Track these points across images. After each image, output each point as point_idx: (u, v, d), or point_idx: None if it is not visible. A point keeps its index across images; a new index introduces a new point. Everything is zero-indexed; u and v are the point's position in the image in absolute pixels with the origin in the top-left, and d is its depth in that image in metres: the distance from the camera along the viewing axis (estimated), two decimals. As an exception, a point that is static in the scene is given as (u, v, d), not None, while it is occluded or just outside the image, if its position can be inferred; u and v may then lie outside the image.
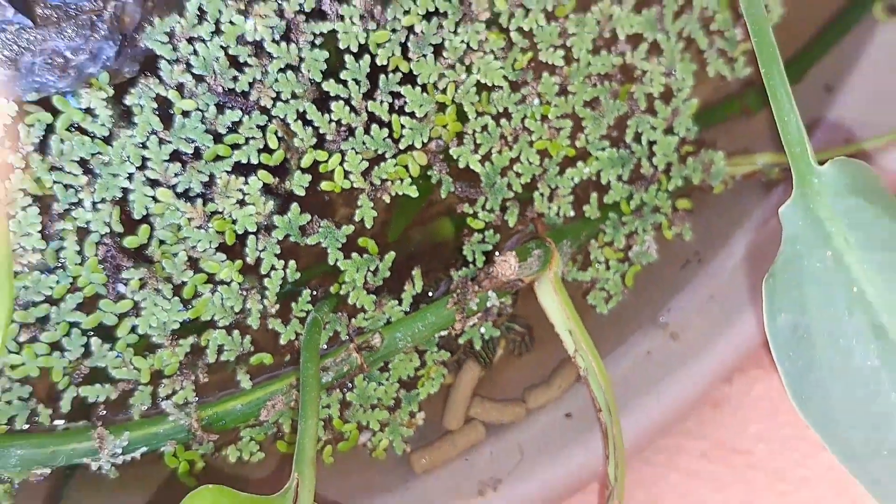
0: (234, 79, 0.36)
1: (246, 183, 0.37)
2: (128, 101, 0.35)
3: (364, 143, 0.39)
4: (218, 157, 0.37)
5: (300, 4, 0.36)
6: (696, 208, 0.46)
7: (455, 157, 0.40)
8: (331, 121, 0.38)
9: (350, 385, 0.41)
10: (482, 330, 0.43)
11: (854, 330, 0.31)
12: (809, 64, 0.47)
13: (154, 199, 0.36)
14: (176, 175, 0.36)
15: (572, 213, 0.43)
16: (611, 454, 0.41)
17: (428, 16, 0.38)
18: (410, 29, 0.38)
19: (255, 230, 0.38)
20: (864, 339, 0.31)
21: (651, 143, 0.44)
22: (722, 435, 0.48)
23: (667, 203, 0.45)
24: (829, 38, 0.47)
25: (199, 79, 0.36)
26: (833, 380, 0.31)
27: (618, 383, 0.45)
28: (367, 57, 0.38)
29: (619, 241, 0.45)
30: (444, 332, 0.41)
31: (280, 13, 0.36)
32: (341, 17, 0.37)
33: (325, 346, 0.40)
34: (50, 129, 0.35)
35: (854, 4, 0.47)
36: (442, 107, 0.40)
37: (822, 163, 0.35)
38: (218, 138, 0.37)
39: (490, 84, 0.40)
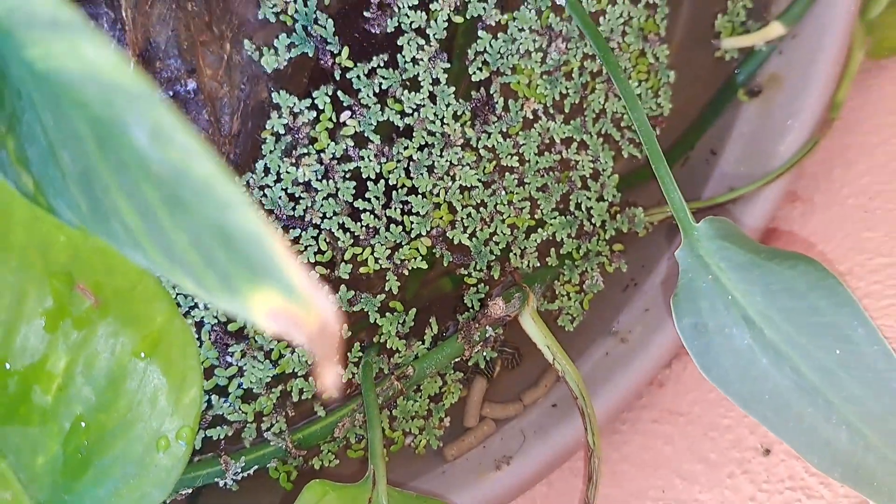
0: (293, 208, 0.43)
1: (309, 276, 0.44)
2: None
3: (386, 238, 0.46)
4: (288, 262, 0.44)
5: (333, 153, 0.43)
6: (628, 248, 0.52)
7: (450, 238, 0.47)
8: (362, 226, 0.45)
9: (394, 404, 0.48)
10: (484, 354, 0.50)
11: (732, 322, 0.38)
12: (698, 136, 0.53)
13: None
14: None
15: (538, 264, 0.50)
16: (588, 427, 0.47)
17: (421, 147, 0.45)
18: (410, 158, 0.45)
19: (318, 307, 0.45)
20: (739, 327, 0.38)
21: (588, 209, 0.51)
22: (667, 404, 0.53)
23: (606, 248, 0.51)
24: (709, 116, 0.53)
25: (269, 212, 0.43)
26: (725, 355, 0.38)
27: (587, 377, 0.51)
28: (382, 181, 0.45)
29: (575, 279, 0.51)
30: (456, 359, 0.48)
31: (320, 161, 0.43)
32: (362, 158, 0.44)
33: (374, 380, 0.47)
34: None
35: (724, 92, 0.53)
36: (437, 205, 0.47)
37: (699, 218, 0.42)
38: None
39: (469, 186, 0.47)
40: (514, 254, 0.49)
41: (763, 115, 0.52)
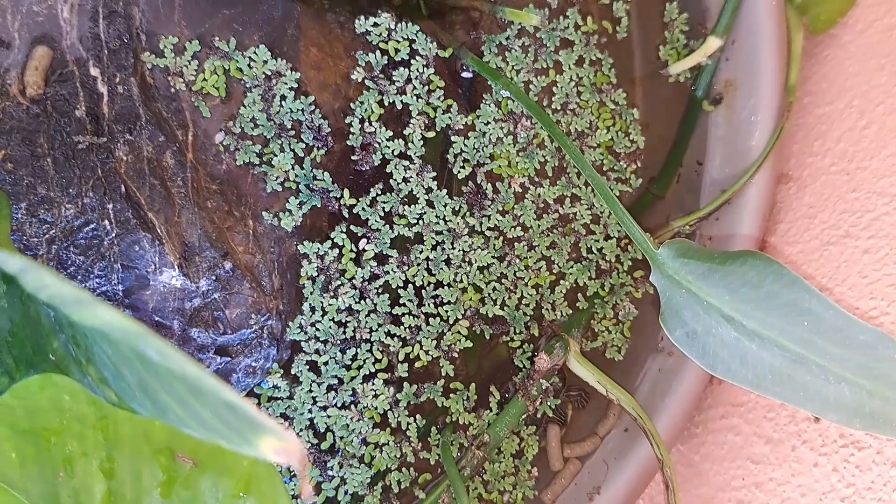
0: (343, 332, 0.50)
1: (373, 384, 0.51)
2: (293, 371, 0.50)
3: (429, 331, 0.52)
4: (352, 378, 0.51)
5: (362, 277, 0.50)
6: (649, 270, 0.57)
7: (484, 313, 0.53)
8: (405, 328, 0.52)
9: (483, 470, 0.53)
10: (548, 403, 0.55)
11: (715, 322, 0.43)
12: (682, 153, 0.58)
13: (327, 416, 0.50)
14: (333, 397, 0.50)
15: (570, 311, 0.55)
16: (653, 443, 0.50)
17: (434, 247, 0.52)
18: (427, 259, 0.52)
19: (388, 407, 0.51)
20: (722, 325, 0.43)
21: (600, 250, 0.56)
22: (728, 398, 0.55)
23: (627, 278, 0.56)
24: (685, 133, 0.57)
25: (324, 342, 0.50)
26: (720, 351, 0.42)
27: (648, 395, 0.55)
28: (410, 285, 0.52)
29: (609, 314, 0.56)
30: (524, 416, 0.54)
31: (353, 287, 0.50)
32: (387, 272, 0.51)
33: (458, 454, 0.53)
34: (258, 403, 0.50)
35: (691, 108, 0.57)
36: (464, 290, 0.53)
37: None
38: (347, 367, 0.51)
39: (486, 265, 0.53)
40: (546, 309, 0.54)
41: (730, 119, 0.56)
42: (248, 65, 0.48)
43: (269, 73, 0.48)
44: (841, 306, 0.46)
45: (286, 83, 0.48)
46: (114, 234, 0.42)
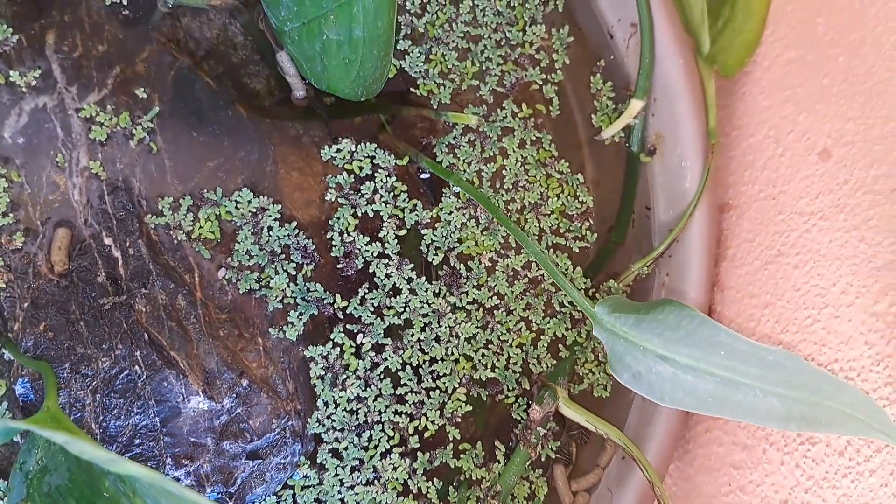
0: (356, 418, 0.57)
1: (391, 459, 0.58)
2: (318, 460, 0.57)
3: (431, 403, 0.58)
4: (371, 457, 0.57)
5: (364, 367, 0.57)
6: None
7: (478, 378, 0.60)
8: (410, 404, 0.58)
9: (501, 517, 0.60)
10: (549, 447, 0.61)
11: (652, 363, 0.49)
12: (632, 202, 0.64)
13: (355, 494, 0.57)
14: (357, 477, 0.57)
15: (555, 361, 0.61)
16: (642, 468, 0.55)
17: (423, 328, 0.59)
18: (419, 340, 0.58)
19: (407, 476, 0.58)
20: (659, 364, 0.49)
21: (570, 303, 0.62)
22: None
23: (602, 322, 0.63)
24: (630, 185, 0.64)
25: (341, 430, 0.57)
26: (663, 386, 0.48)
27: (638, 424, 0.60)
28: (407, 366, 0.58)
29: (590, 357, 0.62)
30: (529, 461, 0.60)
31: (358, 377, 0.57)
32: (385, 359, 0.58)
33: (476, 506, 0.59)
34: (293, 494, 0.56)
35: (631, 162, 0.64)
36: (456, 361, 0.59)
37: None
38: (365, 448, 0.57)
39: (472, 335, 0.60)
40: (533, 364, 0.60)
41: (664, 167, 0.62)
42: (236, 207, 0.55)
43: (255, 210, 0.56)
44: (779, 319, 0.52)
45: (270, 215, 0.56)
46: (144, 376, 0.50)
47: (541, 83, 0.63)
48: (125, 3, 0.56)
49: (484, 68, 0.62)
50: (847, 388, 0.43)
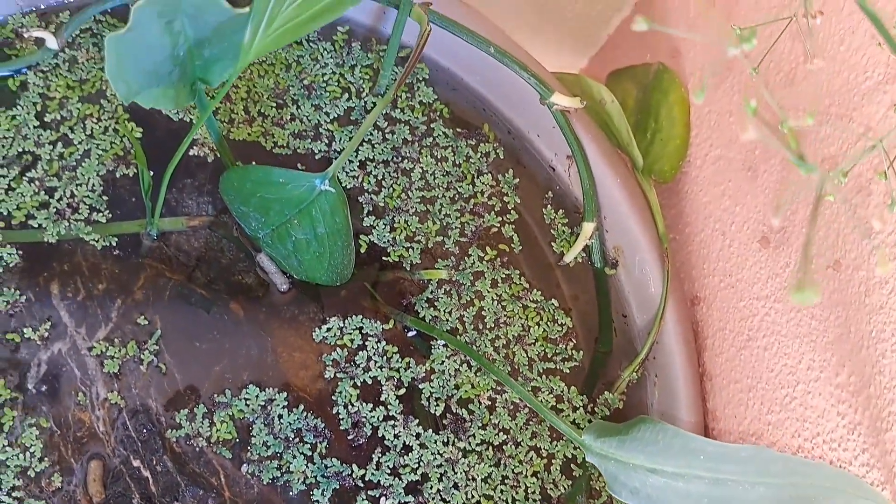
0: (395, 578, 0.61)
1: None
2: None
3: (463, 546, 0.62)
4: None
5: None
6: (618, 418, 0.67)
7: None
8: (443, 552, 0.62)
9: None
10: None
11: (644, 476, 0.52)
12: (608, 313, 0.69)
13: None
14: None
15: (570, 482, 0.64)
16: None
17: (439, 479, 0.63)
18: (438, 491, 0.62)
19: None
20: (651, 476, 0.52)
21: (573, 421, 0.66)
22: None
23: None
24: (603, 297, 0.69)
25: (383, 593, 0.60)
26: (657, 494, 0.51)
27: None
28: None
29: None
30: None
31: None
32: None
33: None
34: None
35: (599, 277, 0.69)
36: (478, 502, 0.63)
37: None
38: None
39: (487, 475, 0.63)
40: (550, 489, 0.64)
41: (629, 275, 0.67)
42: (246, 404, 0.60)
43: (264, 402, 0.61)
44: (763, 401, 0.56)
45: (279, 404, 0.61)
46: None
47: (499, 225, 0.69)
48: (114, 244, 0.62)
49: (444, 224, 0.68)
50: (821, 466, 0.47)
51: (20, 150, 0.62)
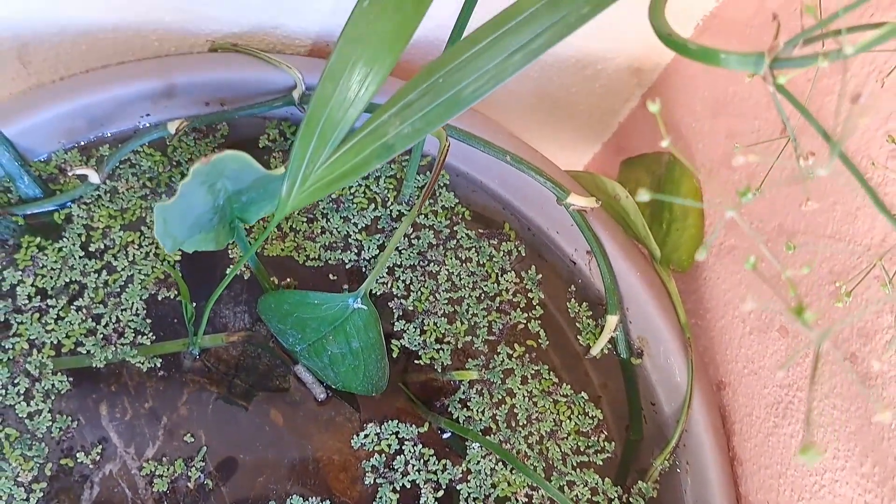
0: None
1: None
2: None
3: None
4: None
5: None
6: (651, 502, 0.69)
7: None
8: None
9: None
10: None
11: None
12: (638, 401, 0.72)
13: None
14: None
15: (612, 571, 0.67)
16: None
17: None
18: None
19: None
20: None
21: (610, 501, 0.68)
22: None
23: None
24: (631, 388, 0.72)
25: None
26: None
27: None
28: None
29: (643, 558, 0.67)
30: None
31: None
32: None
33: None
34: None
35: (626, 367, 0.72)
36: None
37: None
38: None
39: (528, 569, 0.66)
40: (591, 581, 0.65)
41: (655, 365, 0.70)
42: (291, 514, 0.63)
43: (308, 512, 0.63)
44: (793, 488, 0.57)
45: (322, 513, 0.63)
46: None
47: (525, 321, 0.72)
48: (159, 364, 0.66)
49: (472, 323, 0.71)
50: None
51: (67, 280, 0.66)
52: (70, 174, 0.67)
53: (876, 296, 0.50)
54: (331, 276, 0.70)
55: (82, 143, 0.70)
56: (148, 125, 0.70)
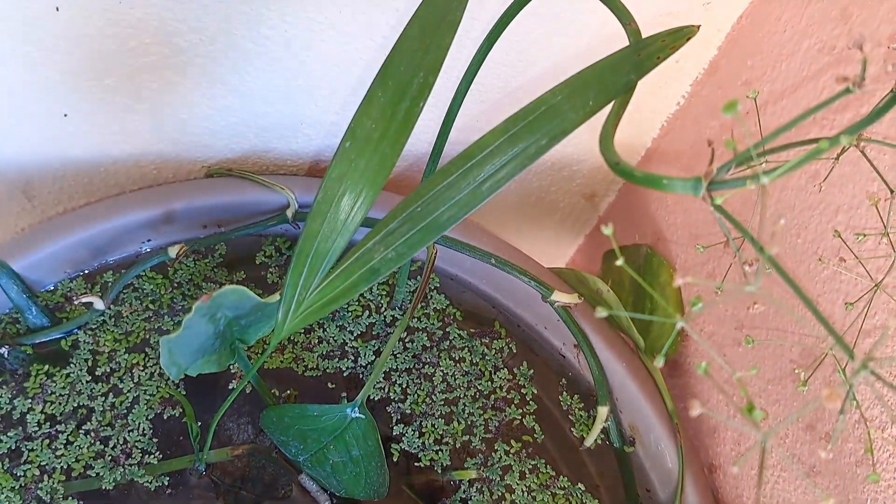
0: None
1: None
2: None
3: None
4: None
5: None
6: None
7: None
8: None
9: None
10: None
11: None
12: (633, 485, 0.74)
13: None
14: None
15: None
16: None
17: None
18: None
19: None
20: None
21: None
22: None
23: None
24: (626, 471, 0.75)
25: None
26: None
27: None
28: None
29: None
30: None
31: None
32: None
33: None
34: None
35: (621, 458, 0.75)
36: None
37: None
38: None
39: None
40: None
41: (647, 452, 0.73)
42: None
43: None
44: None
45: None
46: None
47: (520, 417, 0.75)
48: (166, 482, 0.69)
49: (469, 423, 0.74)
50: None
51: (76, 404, 0.69)
52: (76, 302, 0.71)
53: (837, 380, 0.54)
54: (329, 384, 0.74)
55: (87, 272, 0.74)
56: (149, 250, 0.74)
